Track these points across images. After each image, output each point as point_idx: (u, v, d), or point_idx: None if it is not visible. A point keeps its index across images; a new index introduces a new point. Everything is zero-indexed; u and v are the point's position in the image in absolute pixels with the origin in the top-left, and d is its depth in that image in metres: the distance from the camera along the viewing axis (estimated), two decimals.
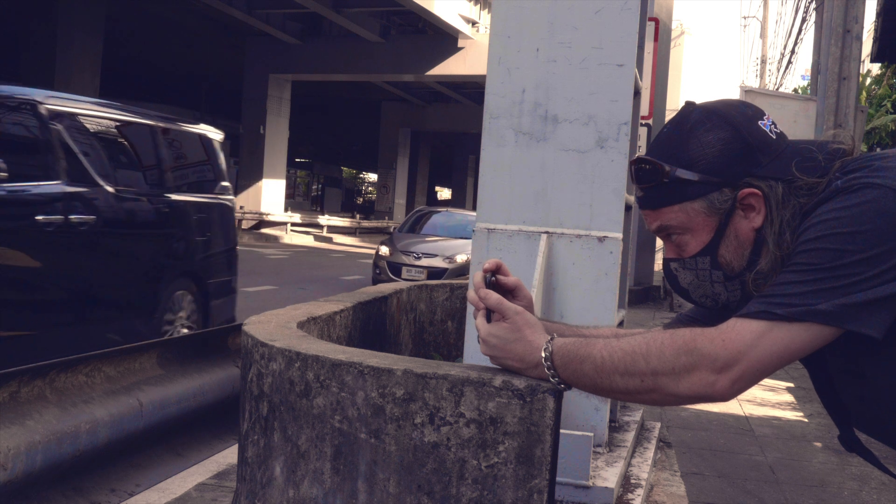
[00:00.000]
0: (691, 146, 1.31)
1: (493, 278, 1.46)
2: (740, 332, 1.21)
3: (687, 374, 1.23)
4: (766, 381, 6.80)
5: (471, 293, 1.44)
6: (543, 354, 1.35)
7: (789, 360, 1.22)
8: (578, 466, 3.05)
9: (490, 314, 1.41)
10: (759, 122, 1.32)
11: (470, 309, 3.58)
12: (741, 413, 6.03)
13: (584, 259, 3.43)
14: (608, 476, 3.21)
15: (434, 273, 12.61)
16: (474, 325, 1.44)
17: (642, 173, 1.35)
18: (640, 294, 13.46)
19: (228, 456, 4.02)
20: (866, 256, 1.15)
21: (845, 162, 1.28)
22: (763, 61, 28.66)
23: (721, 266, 1.34)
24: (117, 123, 5.51)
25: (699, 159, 1.30)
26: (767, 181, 1.29)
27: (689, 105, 1.38)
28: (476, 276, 1.44)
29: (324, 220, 33.50)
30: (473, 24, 27.48)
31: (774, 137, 1.31)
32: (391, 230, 17.00)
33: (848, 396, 1.36)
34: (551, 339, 1.37)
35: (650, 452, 4.08)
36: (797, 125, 9.52)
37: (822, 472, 4.63)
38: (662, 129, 1.39)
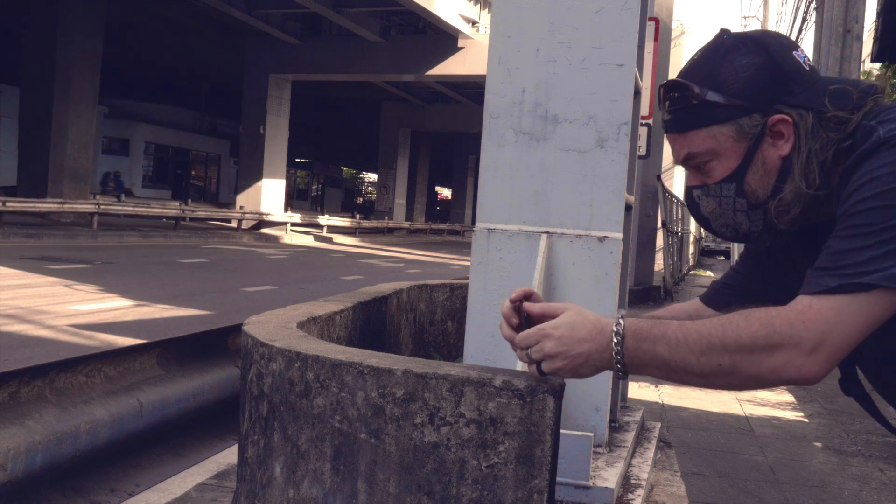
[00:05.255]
0: (724, 69, 1.30)
1: (521, 305, 1.39)
2: (820, 311, 1.16)
3: (768, 358, 1.18)
4: None
5: (505, 306, 1.38)
6: (615, 329, 1.26)
7: (872, 329, 1.18)
8: (578, 466, 3.05)
9: (526, 326, 1.34)
10: (794, 52, 1.31)
11: (474, 311, 3.58)
12: (741, 413, 6.02)
13: (585, 259, 3.43)
14: (608, 476, 3.21)
15: None
16: (503, 335, 1.35)
17: (671, 94, 1.33)
18: (640, 294, 13.46)
19: (228, 456, 4.02)
20: None
21: (879, 104, 1.26)
22: None
23: (745, 194, 1.32)
24: None
25: (731, 83, 1.29)
26: (798, 110, 1.27)
27: (724, 31, 1.36)
28: (505, 308, 1.38)
29: (324, 220, 33.49)
30: (473, 24, 27.47)
31: (808, 69, 1.30)
32: None
33: (866, 352, 1.32)
34: (621, 316, 1.28)
35: (650, 452, 4.08)
36: None
37: (822, 472, 4.62)
38: (694, 55, 1.36)
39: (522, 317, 1.36)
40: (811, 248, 1.34)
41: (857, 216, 1.17)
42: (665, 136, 1.39)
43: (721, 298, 1.55)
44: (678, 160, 1.37)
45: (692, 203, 1.40)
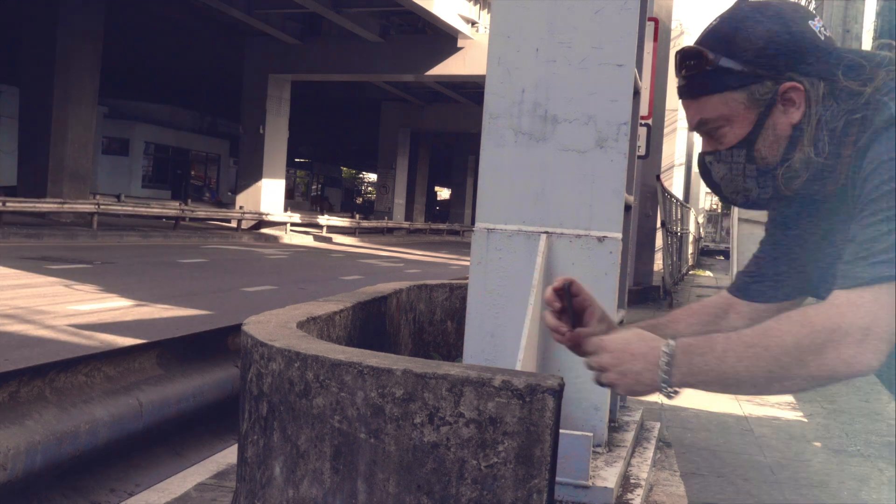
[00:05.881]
0: (739, 37, 1.31)
1: (570, 288, 1.40)
2: (859, 304, 1.16)
3: (816, 357, 1.18)
4: None
5: (548, 292, 1.41)
6: (665, 349, 1.27)
7: None
8: (578, 466, 3.05)
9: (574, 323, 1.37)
10: (810, 22, 1.32)
11: (474, 311, 3.58)
12: (741, 413, 6.02)
13: (584, 259, 3.43)
14: (608, 476, 3.21)
15: None
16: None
17: (686, 60, 1.34)
18: (639, 294, 13.45)
19: (228, 456, 4.02)
20: None
21: (892, 78, 1.27)
22: None
23: (756, 160, 1.34)
24: None
25: (745, 50, 1.30)
26: (810, 78, 1.29)
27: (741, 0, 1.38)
28: (548, 293, 1.40)
29: (323, 220, 33.47)
30: (473, 24, 27.47)
31: (823, 39, 1.32)
32: None
33: None
34: (673, 337, 1.28)
35: (650, 452, 4.08)
36: None
37: (822, 472, 4.62)
38: (712, 21, 1.38)
39: (567, 301, 1.38)
40: (818, 218, 1.37)
41: (879, 201, 1.18)
42: (679, 101, 1.40)
43: (748, 287, 1.56)
44: (692, 126, 1.39)
45: (704, 169, 1.42)
